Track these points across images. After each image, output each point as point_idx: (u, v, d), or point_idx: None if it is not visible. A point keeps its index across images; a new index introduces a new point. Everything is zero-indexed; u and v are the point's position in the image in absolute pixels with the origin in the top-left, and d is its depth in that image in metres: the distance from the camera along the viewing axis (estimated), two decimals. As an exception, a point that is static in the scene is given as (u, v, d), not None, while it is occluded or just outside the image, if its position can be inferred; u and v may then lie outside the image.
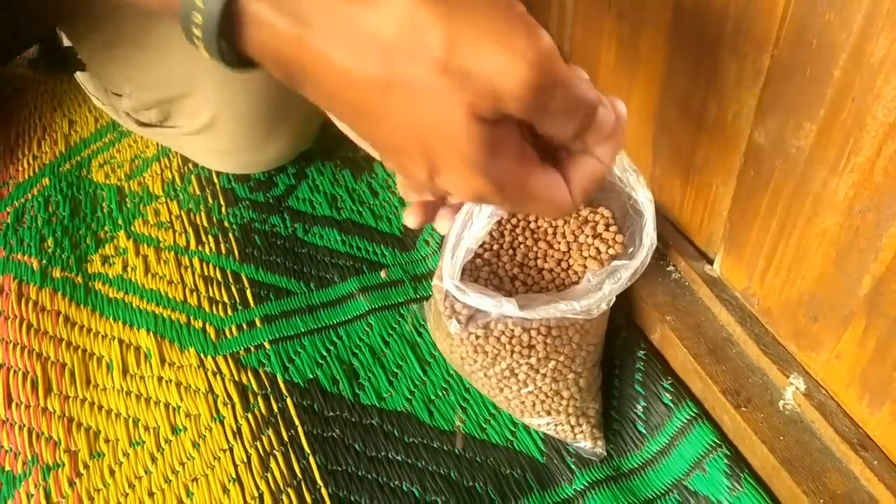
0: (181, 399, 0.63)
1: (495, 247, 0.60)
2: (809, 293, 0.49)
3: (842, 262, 0.46)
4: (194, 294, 0.71)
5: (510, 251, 0.59)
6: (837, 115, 0.43)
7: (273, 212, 0.79)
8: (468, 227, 0.55)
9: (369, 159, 0.84)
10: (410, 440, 0.59)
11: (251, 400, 0.62)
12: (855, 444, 0.48)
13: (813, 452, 0.49)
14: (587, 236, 0.58)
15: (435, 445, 0.58)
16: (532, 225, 0.61)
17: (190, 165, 0.85)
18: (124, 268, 0.74)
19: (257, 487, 0.56)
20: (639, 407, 0.57)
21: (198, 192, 0.82)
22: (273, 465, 0.58)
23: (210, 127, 0.76)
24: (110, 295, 0.72)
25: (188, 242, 0.76)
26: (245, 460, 0.58)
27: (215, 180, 0.83)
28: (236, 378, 0.64)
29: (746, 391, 0.52)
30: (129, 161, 0.87)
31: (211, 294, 0.71)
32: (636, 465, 0.56)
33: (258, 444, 0.59)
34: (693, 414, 0.54)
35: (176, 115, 0.78)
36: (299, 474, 0.57)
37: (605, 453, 0.57)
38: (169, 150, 0.87)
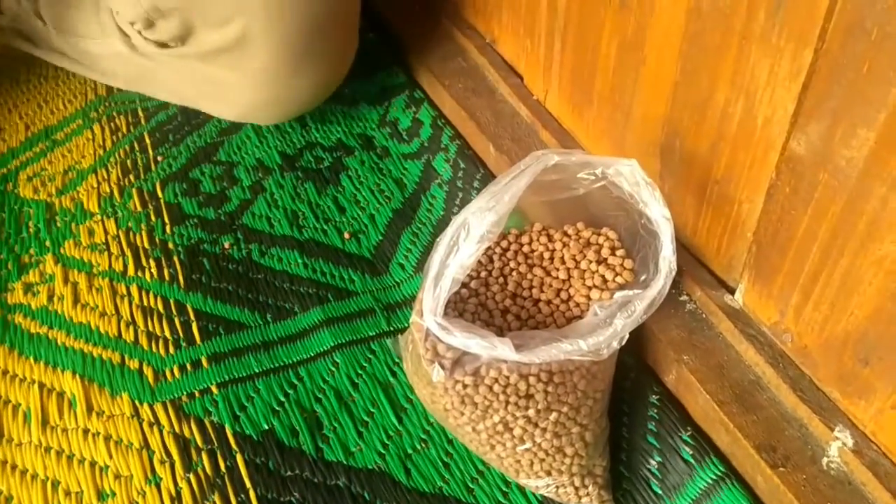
0: (110, 457, 0.53)
1: (483, 274, 0.51)
2: (860, 332, 0.42)
3: (905, 297, 0.38)
4: (130, 328, 0.61)
5: (500, 279, 0.51)
6: (906, 119, 0.36)
7: (225, 231, 0.69)
8: (453, 254, 0.46)
9: (335, 170, 0.75)
10: (384, 505, 0.50)
11: (194, 457, 0.52)
12: (919, 514, 0.40)
13: (867, 522, 0.41)
14: (590, 262, 0.50)
15: (413, 511, 0.49)
16: (525, 248, 0.52)
17: (131, 178, 0.75)
18: (50, 297, 0.64)
19: (199, 568, 0.47)
20: (653, 462, 0.49)
21: (139, 208, 0.72)
22: (219, 538, 0.48)
23: (238, 44, 0.67)
24: (31, 330, 0.61)
25: (126, 267, 0.66)
26: (185, 533, 0.49)
27: (159, 194, 0.73)
28: (177, 430, 0.54)
29: (783, 447, 0.44)
30: (61, 173, 0.77)
31: (150, 328, 0.61)
32: (652, 534, 0.47)
33: (201, 512, 0.50)
34: (719, 473, 0.46)
35: (200, 26, 0.69)
36: (251, 550, 0.48)
37: (615, 519, 0.48)
38: (108, 161, 0.77)
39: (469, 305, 0.49)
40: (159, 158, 0.78)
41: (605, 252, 0.50)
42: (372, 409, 0.55)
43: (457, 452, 0.52)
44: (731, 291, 0.51)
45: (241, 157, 0.77)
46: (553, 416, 0.45)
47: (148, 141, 0.80)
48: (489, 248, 0.52)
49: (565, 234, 0.52)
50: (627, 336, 0.44)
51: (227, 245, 0.68)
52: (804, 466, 0.43)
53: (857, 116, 0.38)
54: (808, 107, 0.41)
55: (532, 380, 0.45)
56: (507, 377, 0.44)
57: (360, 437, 0.54)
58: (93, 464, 0.52)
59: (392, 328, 0.61)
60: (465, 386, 0.45)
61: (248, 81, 0.70)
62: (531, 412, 0.45)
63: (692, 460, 0.47)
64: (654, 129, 0.53)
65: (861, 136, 0.38)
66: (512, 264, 0.52)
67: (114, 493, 0.51)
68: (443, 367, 0.45)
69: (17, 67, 0.93)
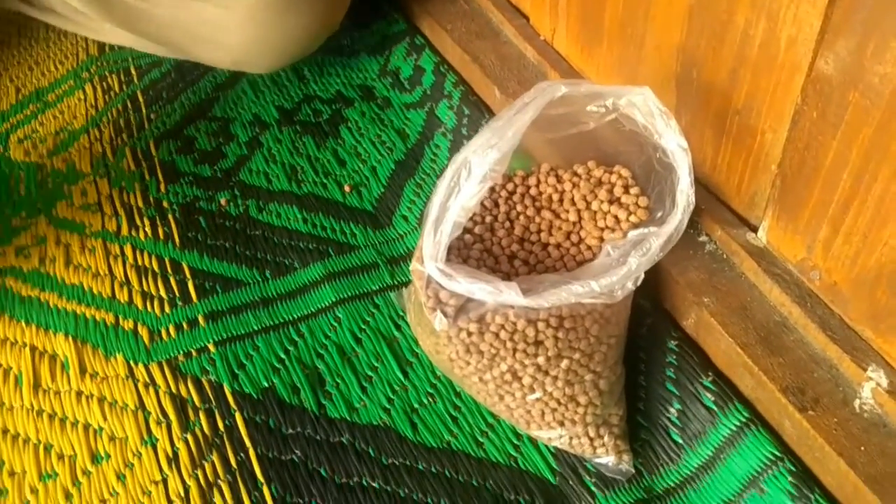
0: (104, 419, 0.51)
1: (488, 219, 0.48)
2: (895, 263, 0.38)
3: (946, 222, 0.35)
4: (124, 288, 0.59)
5: (506, 224, 0.48)
6: (949, 21, 0.32)
7: (221, 188, 0.67)
8: (454, 195, 0.44)
9: (335, 123, 0.72)
10: (389, 461, 0.47)
11: (191, 417, 0.50)
12: (962, 456, 0.37)
13: (904, 467, 0.38)
14: (602, 202, 0.47)
15: (420, 467, 0.47)
16: (532, 190, 0.49)
17: (124, 136, 0.73)
18: (42, 260, 0.62)
19: (198, 530, 0.45)
20: (672, 411, 0.46)
21: (132, 167, 0.69)
22: (217, 498, 0.46)
23: None
24: (23, 293, 0.59)
25: (119, 227, 0.64)
26: (182, 494, 0.47)
27: (153, 152, 0.71)
28: (173, 390, 0.52)
29: (812, 389, 0.41)
30: (52, 135, 0.74)
31: (145, 288, 0.59)
32: (673, 485, 0.45)
33: (199, 472, 0.47)
34: (744, 419, 0.43)
35: None
36: (251, 510, 0.45)
37: (633, 470, 0.45)
38: (100, 121, 0.75)
39: (473, 252, 0.46)
40: (153, 116, 0.75)
41: (617, 191, 0.47)
42: (376, 364, 0.53)
43: (465, 406, 0.50)
44: (754, 229, 0.48)
45: (237, 113, 0.74)
46: (564, 363, 0.43)
47: (141, 99, 0.77)
48: (494, 191, 0.49)
49: (575, 173, 0.49)
50: (643, 276, 0.42)
51: (223, 202, 0.65)
52: (835, 409, 0.40)
53: (889, 28, 0.35)
54: (835, 21, 0.37)
55: (541, 325, 0.42)
56: (515, 323, 0.42)
57: (364, 393, 0.51)
58: (86, 426, 0.50)
59: (396, 282, 0.58)
60: (469, 334, 0.42)
61: (238, 19, 0.66)
62: (541, 360, 0.42)
63: (714, 407, 0.44)
64: (669, 60, 0.50)
65: (895, 49, 0.35)
66: (519, 208, 0.49)
67: (108, 456, 0.49)
68: (445, 314, 0.42)
69: (7, 31, 0.90)
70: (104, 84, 0.80)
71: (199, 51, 0.72)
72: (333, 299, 0.57)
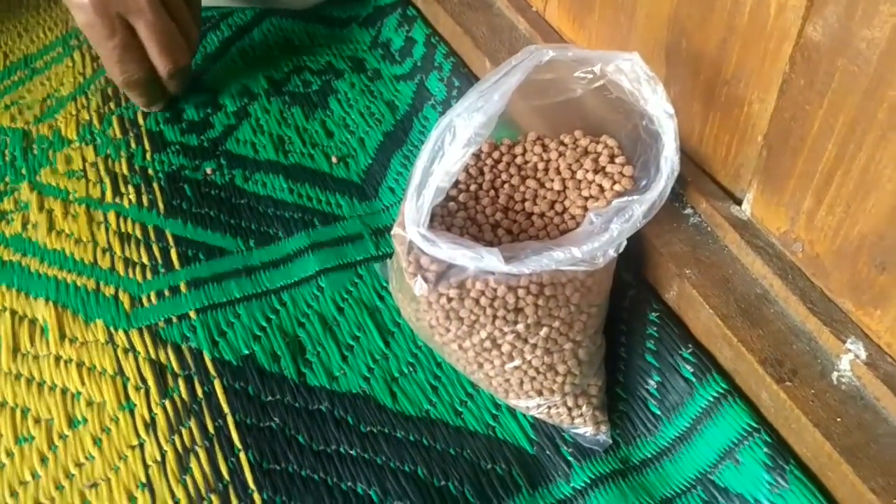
0: (83, 383, 0.50)
1: (472, 187, 0.48)
2: (877, 234, 0.38)
3: (929, 191, 0.35)
4: (107, 255, 0.58)
5: (491, 192, 0.48)
6: (936, -16, 0.32)
7: (208, 157, 0.66)
8: (438, 160, 0.43)
9: (324, 94, 0.71)
10: (368, 429, 0.47)
11: (170, 383, 0.50)
12: (938, 428, 0.37)
13: (880, 438, 0.38)
14: (587, 171, 0.46)
15: (398, 435, 0.47)
16: (518, 159, 0.49)
17: (111, 105, 0.72)
18: (24, 225, 0.61)
19: (172, 494, 0.45)
20: (652, 382, 0.46)
21: (119, 135, 0.69)
22: (194, 464, 0.46)
23: None
24: (4, 257, 0.59)
25: (103, 194, 0.63)
26: (159, 459, 0.46)
27: (140, 122, 0.70)
28: (153, 356, 0.51)
29: (791, 361, 0.41)
30: (39, 102, 0.74)
31: (127, 254, 0.58)
32: (649, 456, 0.45)
33: (176, 438, 0.47)
34: (721, 390, 0.43)
35: None
36: (227, 476, 0.45)
37: (611, 441, 0.45)
38: (88, 88, 0.74)
39: (457, 220, 0.46)
40: (141, 85, 0.74)
41: (603, 160, 0.46)
42: (357, 334, 0.52)
43: (445, 375, 0.50)
44: (739, 202, 0.47)
45: (226, 83, 0.74)
46: (544, 331, 0.42)
47: (129, 68, 0.76)
48: (479, 159, 0.49)
49: (561, 143, 0.48)
50: (625, 243, 0.41)
51: (209, 171, 0.64)
52: (813, 381, 0.40)
53: (879, -11, 0.34)
54: (825, -14, 0.37)
55: (521, 292, 0.41)
56: (495, 290, 0.41)
57: (345, 362, 0.51)
58: (64, 391, 0.50)
59: (381, 253, 0.58)
60: (449, 300, 0.42)
61: None
62: (520, 327, 0.42)
63: (692, 378, 0.44)
64: (659, 29, 0.49)
65: (884, 12, 0.34)
66: (504, 176, 0.48)
67: (85, 420, 0.48)
68: (426, 280, 0.42)
69: (-4, -2, 0.89)
70: (93, 52, 0.79)
71: None
72: (317, 269, 0.56)
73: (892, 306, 0.39)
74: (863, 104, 0.37)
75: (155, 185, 0.64)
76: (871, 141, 0.37)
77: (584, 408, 0.45)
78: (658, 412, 0.45)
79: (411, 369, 0.50)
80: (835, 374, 0.41)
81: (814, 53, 0.39)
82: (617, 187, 0.45)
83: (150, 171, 0.65)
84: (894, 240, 0.37)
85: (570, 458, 0.45)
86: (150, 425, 0.48)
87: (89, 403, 0.49)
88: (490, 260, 0.40)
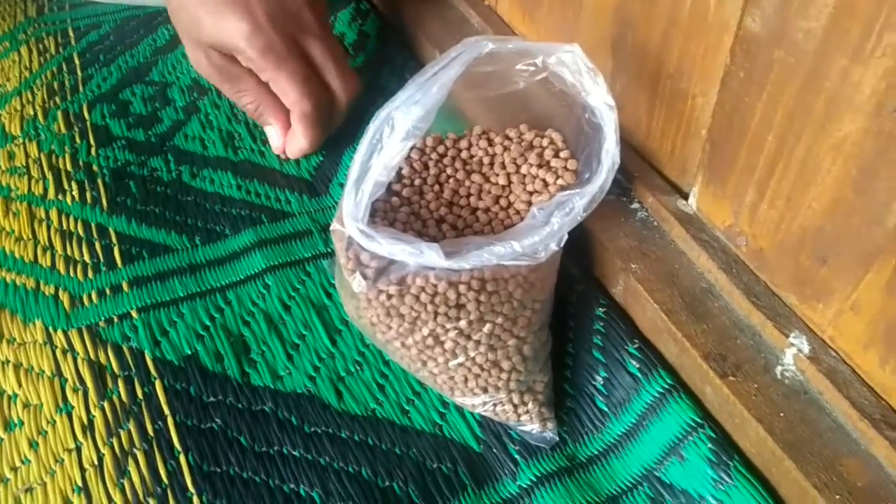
0: (19, 385, 0.49)
1: (417, 181, 0.47)
2: (817, 227, 0.38)
3: (865, 183, 0.35)
4: (48, 253, 0.57)
5: (436, 187, 0.47)
6: (867, -27, 0.31)
7: (155, 153, 0.65)
8: (377, 153, 0.42)
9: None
10: (312, 430, 0.46)
11: (109, 384, 0.49)
12: (878, 421, 0.36)
13: (823, 433, 0.38)
14: (531, 165, 0.45)
15: (343, 435, 0.46)
16: (464, 154, 0.48)
17: (57, 99, 0.70)
18: (-38, 223, 0.59)
19: (109, 498, 0.43)
20: (598, 378, 0.46)
21: (63, 129, 0.67)
22: (132, 467, 0.45)
23: None
24: (-60, 256, 0.57)
25: (46, 190, 0.62)
26: (95, 462, 0.45)
27: (86, 116, 0.68)
28: (92, 357, 0.50)
29: (734, 356, 0.41)
30: (-18, 97, 0.72)
31: (69, 252, 0.57)
32: (596, 453, 0.44)
33: (114, 440, 0.46)
34: (666, 386, 0.42)
35: None
36: (165, 479, 0.44)
37: (557, 438, 0.45)
38: (33, 83, 0.72)
39: (400, 215, 0.45)
40: (88, 79, 0.72)
41: (547, 154, 0.46)
42: (304, 332, 0.51)
43: (393, 374, 0.49)
44: (685, 196, 0.47)
45: (175, 77, 0.72)
46: (487, 327, 0.42)
47: (77, 62, 0.75)
48: (424, 153, 0.48)
49: (507, 137, 0.48)
50: (566, 237, 0.41)
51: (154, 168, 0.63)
52: (756, 376, 0.40)
53: (815, -21, 0.34)
54: (763, -24, 0.37)
55: (462, 288, 0.41)
56: (436, 285, 0.41)
57: (290, 361, 0.50)
58: (0, 393, 0.48)
59: (329, 249, 0.57)
60: (389, 296, 0.41)
61: None
62: (463, 323, 0.41)
63: (638, 374, 0.43)
64: (605, 22, 0.49)
65: (819, 2, 0.34)
66: (449, 171, 0.47)
67: (21, 423, 0.47)
68: (365, 276, 0.41)
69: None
70: (40, 45, 0.77)
71: None
72: (263, 266, 0.55)
73: (835, 300, 0.38)
74: (800, 96, 0.36)
75: (99, 181, 0.62)
76: (809, 133, 0.37)
77: (530, 405, 0.44)
78: (605, 408, 0.45)
79: (358, 368, 0.49)
80: (778, 369, 0.40)
81: (752, 45, 0.38)
82: (560, 181, 0.44)
83: (95, 167, 0.63)
84: (834, 233, 0.37)
85: (516, 457, 0.44)
86: (88, 428, 0.47)
87: (26, 406, 0.48)
88: (430, 255, 0.39)
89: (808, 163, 0.37)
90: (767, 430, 0.38)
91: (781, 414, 0.39)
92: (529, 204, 0.45)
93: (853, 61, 0.33)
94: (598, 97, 0.41)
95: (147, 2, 0.81)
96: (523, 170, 0.46)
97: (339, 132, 0.65)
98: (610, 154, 0.40)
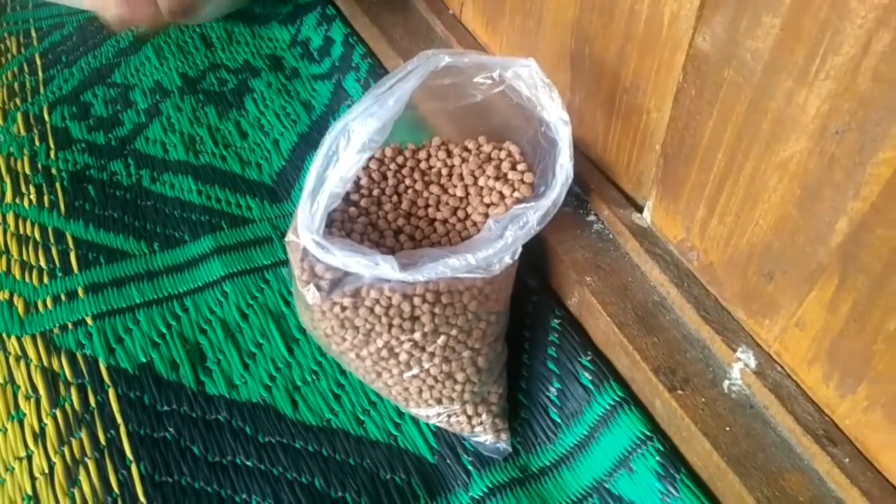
0: (-32, 393, 0.48)
1: (375, 192, 0.47)
2: (764, 244, 0.39)
3: (809, 202, 0.35)
4: (3, 258, 0.56)
5: (394, 198, 0.47)
6: (810, 0, 0.32)
7: (115, 156, 0.64)
8: (333, 164, 0.42)
9: (240, 93, 0.69)
10: (266, 440, 0.46)
11: (62, 392, 0.48)
12: (820, 437, 0.37)
13: (767, 447, 0.38)
14: (489, 178, 0.46)
15: (297, 445, 0.46)
16: (423, 165, 0.48)
17: (17, 101, 0.69)
18: (-85, 226, 0.58)
19: (57, 509, 0.43)
20: (552, 390, 0.46)
21: (23, 132, 0.66)
22: (83, 476, 0.44)
23: None
24: None
25: (3, 194, 0.61)
26: (46, 471, 0.44)
27: (46, 118, 0.67)
28: (45, 364, 0.49)
29: (683, 369, 0.41)
30: (-60, 96, 0.70)
31: (24, 257, 0.56)
32: (548, 464, 0.45)
33: (65, 449, 0.45)
34: (617, 398, 0.43)
35: None
36: (116, 489, 0.44)
37: (510, 449, 0.45)
38: (-9, 83, 0.71)
39: (357, 225, 0.45)
40: (49, 80, 0.71)
41: (505, 167, 0.46)
42: (261, 341, 0.51)
43: (349, 384, 0.49)
44: (640, 209, 0.47)
45: (138, 80, 0.71)
46: (441, 339, 0.42)
47: (39, 62, 0.74)
48: (383, 164, 0.48)
49: (465, 149, 0.48)
50: (520, 250, 0.41)
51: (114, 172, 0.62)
52: (704, 389, 0.40)
53: (762, 2, 0.34)
54: (713, -3, 0.37)
55: (417, 300, 0.41)
56: (390, 298, 0.41)
57: (246, 370, 0.50)
58: (-51, 400, 0.48)
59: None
60: (343, 308, 0.41)
61: None
62: (417, 335, 0.41)
63: (591, 386, 0.44)
64: (564, 35, 0.49)
65: (766, 24, 0.35)
66: (408, 181, 0.47)
67: (-30, 432, 0.46)
68: (319, 288, 0.41)
69: None
70: (2, 46, 0.76)
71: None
72: (222, 273, 0.55)
73: (780, 316, 0.39)
74: (748, 115, 0.37)
75: (57, 185, 0.61)
76: (756, 152, 0.37)
77: (483, 416, 0.44)
78: (558, 419, 0.45)
79: (314, 377, 0.49)
80: (726, 383, 0.41)
81: (703, 64, 0.39)
82: (516, 194, 0.44)
83: (54, 171, 0.62)
84: (781, 250, 0.38)
85: (469, 467, 0.45)
86: (39, 436, 0.46)
87: (-26, 415, 0.47)
88: (385, 267, 0.39)
89: (755, 181, 0.38)
90: (713, 444, 0.38)
91: (727, 428, 0.39)
92: (486, 216, 0.45)
93: (798, 83, 0.34)
94: (554, 112, 0.42)
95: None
96: (481, 182, 0.46)
97: (301, 140, 0.65)
98: (564, 168, 0.41)
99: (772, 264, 0.38)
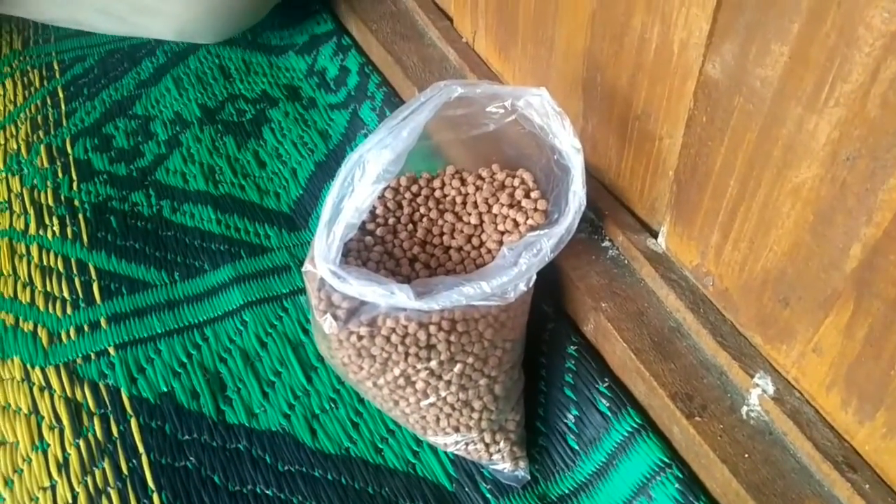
0: (-6, 424, 0.49)
1: (391, 221, 0.47)
2: (779, 270, 0.39)
3: (822, 228, 0.35)
4: (27, 289, 0.57)
5: (409, 226, 0.47)
6: (818, 28, 0.32)
7: (136, 187, 0.65)
8: (349, 195, 0.43)
9: (258, 123, 0.71)
10: (286, 468, 0.46)
11: (85, 422, 0.49)
12: (840, 463, 0.37)
13: (787, 474, 0.38)
14: (502, 205, 0.46)
15: (316, 474, 0.46)
16: (437, 193, 0.49)
17: (40, 133, 0.71)
18: (-57, 259, 0.60)
19: (80, 539, 0.43)
20: (570, 417, 0.46)
21: (46, 164, 0.68)
22: (105, 507, 0.45)
23: None
24: (-80, 293, 0.57)
25: (27, 226, 0.62)
26: (70, 501, 0.45)
27: (69, 150, 0.69)
28: (69, 394, 0.50)
29: (701, 396, 0.41)
30: (-33, 131, 0.72)
31: (48, 288, 0.57)
32: (566, 492, 0.45)
33: (88, 479, 0.46)
34: (636, 425, 0.43)
35: None
36: (138, 519, 0.44)
37: (529, 477, 0.45)
38: (17, 116, 0.73)
39: (374, 254, 0.45)
40: (72, 113, 0.73)
41: (518, 194, 0.46)
42: (280, 369, 0.52)
43: (367, 411, 0.49)
44: (655, 235, 0.48)
45: (158, 111, 0.73)
46: (458, 367, 0.42)
47: (61, 95, 0.75)
48: (398, 192, 0.48)
49: (479, 177, 0.48)
50: (534, 277, 0.41)
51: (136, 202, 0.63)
52: (722, 416, 0.40)
53: (770, 30, 0.35)
54: (722, 24, 0.37)
55: (433, 329, 0.41)
56: (406, 326, 0.41)
57: (266, 399, 0.50)
58: (-25, 431, 0.49)
59: (308, 284, 0.57)
60: (360, 337, 0.42)
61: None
62: (433, 364, 0.42)
63: (608, 412, 0.44)
64: (576, 64, 0.50)
65: (775, 52, 0.35)
66: (422, 210, 0.48)
67: (-4, 462, 0.47)
68: (336, 317, 0.42)
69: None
70: (25, 79, 0.78)
71: (143, 21, 0.71)
72: (241, 302, 0.55)
73: (797, 341, 0.39)
74: (759, 142, 0.37)
75: (80, 216, 0.62)
76: (768, 178, 0.37)
77: (501, 443, 0.45)
78: (576, 447, 0.45)
79: (333, 405, 0.50)
80: (744, 409, 0.41)
81: (713, 91, 0.39)
82: (530, 221, 0.45)
83: (76, 202, 0.64)
84: (795, 276, 0.38)
85: (488, 495, 0.45)
86: (63, 466, 0.47)
87: (2, 443, 0.48)
88: (401, 296, 0.40)
89: (768, 207, 0.38)
90: (732, 471, 0.38)
91: (746, 455, 0.39)
92: (501, 243, 0.45)
93: (808, 110, 0.34)
94: (566, 140, 0.42)
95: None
96: (495, 209, 0.46)
97: (319, 169, 0.66)
98: (577, 195, 0.41)
99: (787, 290, 0.38)
